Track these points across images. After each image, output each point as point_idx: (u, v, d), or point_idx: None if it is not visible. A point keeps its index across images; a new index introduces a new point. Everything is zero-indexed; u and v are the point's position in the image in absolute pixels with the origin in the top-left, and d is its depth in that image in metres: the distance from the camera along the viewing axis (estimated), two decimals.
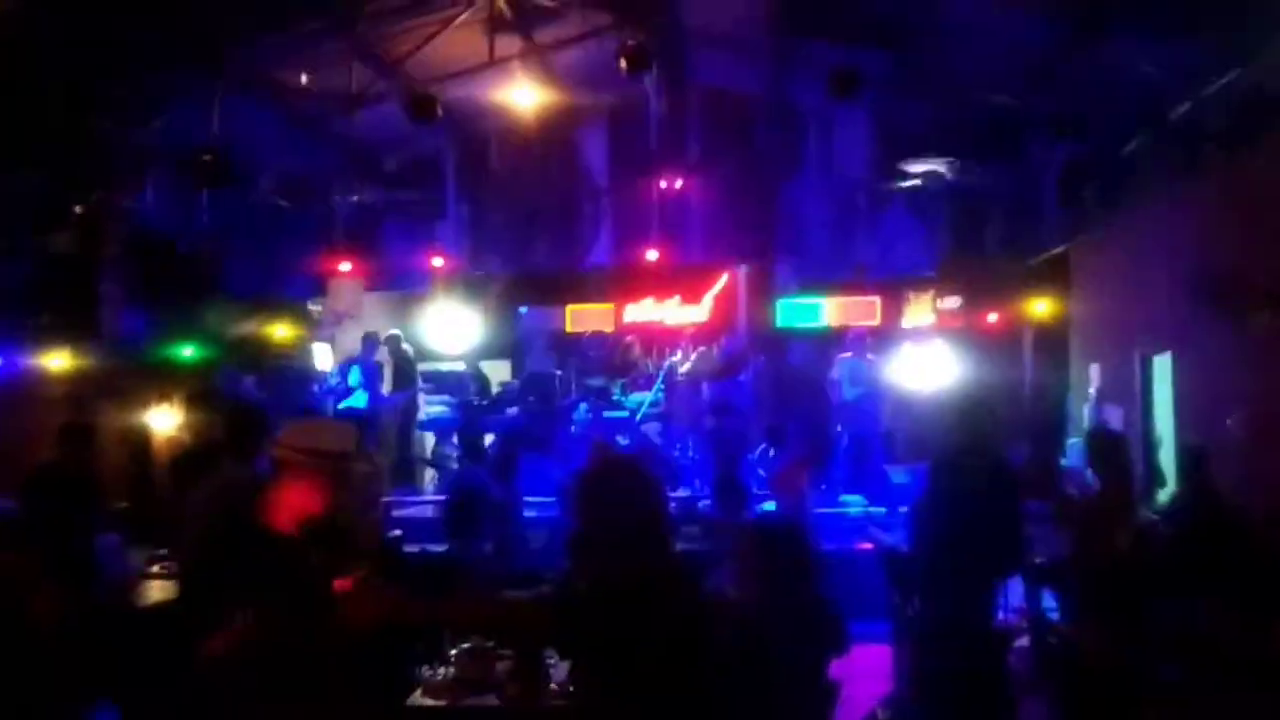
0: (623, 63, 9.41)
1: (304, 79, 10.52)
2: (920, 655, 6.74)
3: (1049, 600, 7.78)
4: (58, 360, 9.63)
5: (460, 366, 13.22)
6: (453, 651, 4.93)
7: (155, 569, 7.77)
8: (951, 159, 11.96)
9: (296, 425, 3.32)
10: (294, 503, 3.16)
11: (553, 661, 4.74)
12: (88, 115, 9.57)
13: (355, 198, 14.19)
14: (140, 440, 10.84)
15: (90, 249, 9.81)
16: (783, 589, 4.30)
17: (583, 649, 2.83)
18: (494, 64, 10.57)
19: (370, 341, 12.56)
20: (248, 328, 12.35)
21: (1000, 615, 8.15)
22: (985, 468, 6.26)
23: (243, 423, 5.31)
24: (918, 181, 12.51)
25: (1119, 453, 6.41)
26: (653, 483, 3.00)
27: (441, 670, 4.79)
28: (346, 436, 3.35)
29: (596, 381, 13.56)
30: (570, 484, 3.12)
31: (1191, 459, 7.64)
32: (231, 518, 3.31)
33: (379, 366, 12.47)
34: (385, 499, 9.20)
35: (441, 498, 11.42)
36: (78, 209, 9.27)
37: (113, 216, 10.27)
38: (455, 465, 11.61)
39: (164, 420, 10.84)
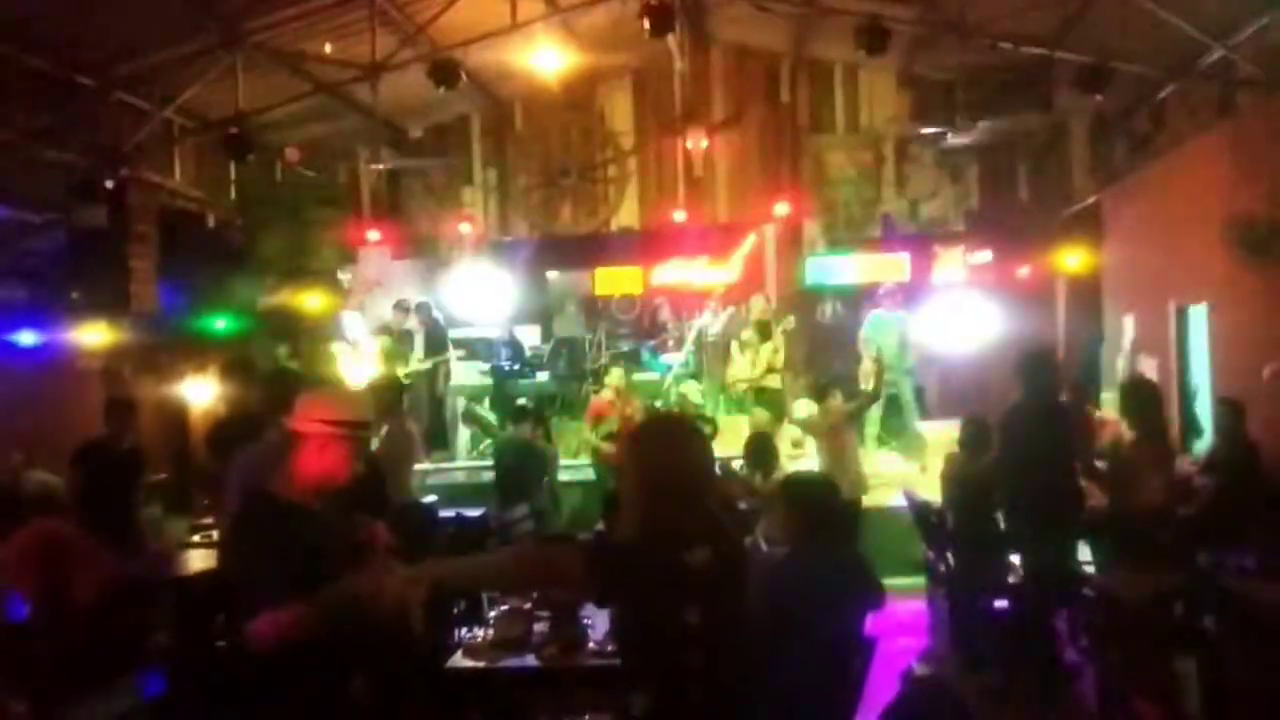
0: (645, 22, 9.31)
1: (327, 48, 10.49)
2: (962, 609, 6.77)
3: (1085, 552, 7.79)
4: (92, 335, 9.73)
5: (493, 332, 13.27)
6: (492, 614, 4.99)
7: (196, 538, 7.91)
8: (980, 111, 11.79)
9: (313, 396, 3.33)
10: (315, 473, 3.17)
11: (589, 622, 4.78)
12: (114, 89, 9.61)
13: (381, 166, 14.21)
14: (177, 412, 10.97)
15: (120, 224, 9.87)
16: (817, 545, 4.31)
17: (618, 594, 2.83)
18: (517, 27, 10.47)
19: (403, 309, 12.64)
20: (279, 298, 12.43)
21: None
22: (1051, 422, 6.28)
23: (281, 389, 5.35)
24: (946, 134, 12.35)
25: (1153, 402, 6.39)
26: (699, 438, 3.00)
27: (481, 632, 4.85)
28: (362, 405, 3.37)
29: (627, 344, 13.59)
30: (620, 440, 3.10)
31: (1229, 412, 7.59)
32: (254, 490, 3.34)
33: (410, 334, 12.55)
34: (420, 465, 9.29)
35: (479, 464, 11.56)
36: (107, 184, 9.32)
37: (142, 190, 10.33)
38: (496, 429, 11.67)
39: (200, 392, 10.96)
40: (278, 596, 2.92)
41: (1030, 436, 6.28)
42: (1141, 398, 6.42)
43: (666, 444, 2.91)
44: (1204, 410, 9.65)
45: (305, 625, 2.93)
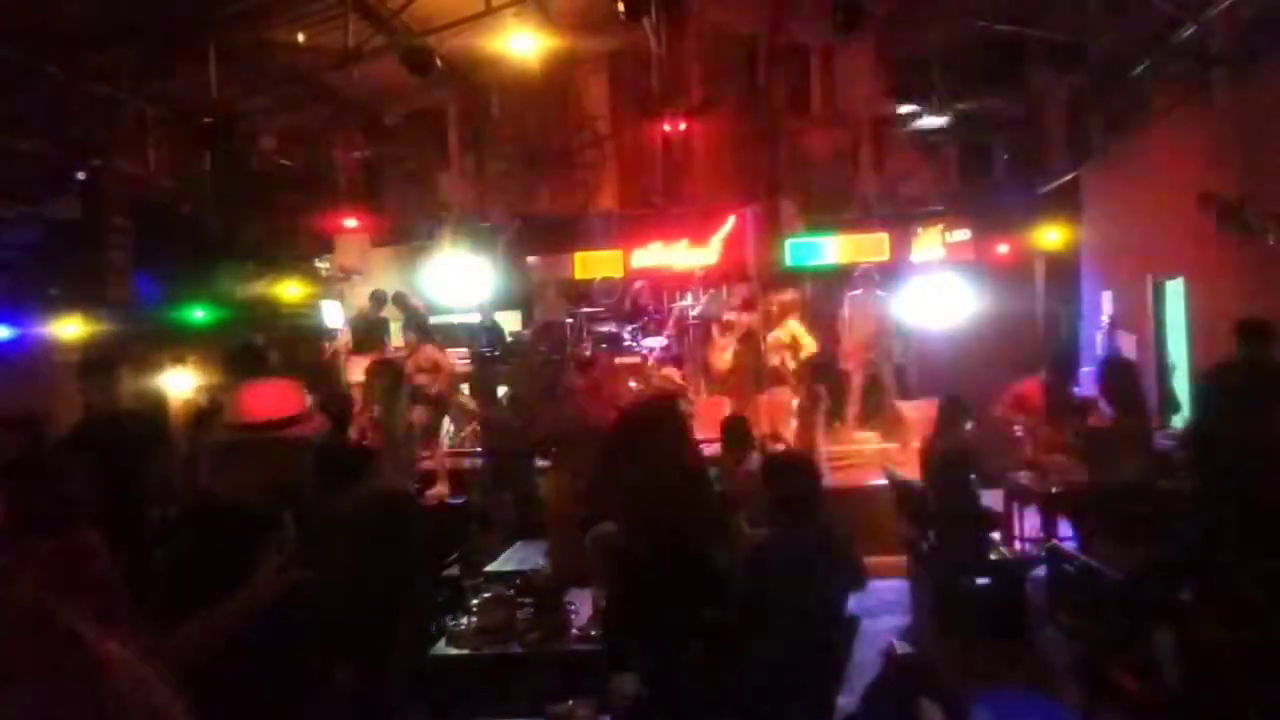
0: (621, 5, 9.29)
1: (300, 38, 10.42)
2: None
3: (1064, 529, 7.85)
4: (69, 328, 9.65)
5: (473, 318, 13.23)
6: (474, 601, 4.99)
7: None
8: (957, 91, 11.82)
9: (250, 392, 3.13)
10: (265, 474, 3.06)
11: (573, 608, 4.79)
12: (85, 79, 9.50)
13: (357, 153, 14.13)
14: (155, 404, 10.89)
15: (95, 215, 9.78)
16: (799, 525, 4.33)
17: (638, 591, 2.82)
18: (491, 11, 10.43)
19: (378, 298, 12.59)
20: (257, 288, 12.35)
21: (1016, 544, 8.25)
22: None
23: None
24: (923, 114, 12.38)
25: (1130, 379, 6.42)
26: (684, 431, 2.98)
27: (465, 619, 4.85)
28: (299, 397, 3.20)
29: (607, 328, 13.57)
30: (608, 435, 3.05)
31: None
32: (198, 493, 3.21)
33: (386, 321, 12.50)
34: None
35: (461, 451, 11.52)
36: (80, 175, 9.24)
37: (115, 181, 10.24)
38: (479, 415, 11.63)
39: (179, 383, 10.89)
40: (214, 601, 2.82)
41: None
42: (1118, 375, 6.45)
43: (663, 437, 2.87)
44: (1183, 385, 9.71)
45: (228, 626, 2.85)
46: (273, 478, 3.05)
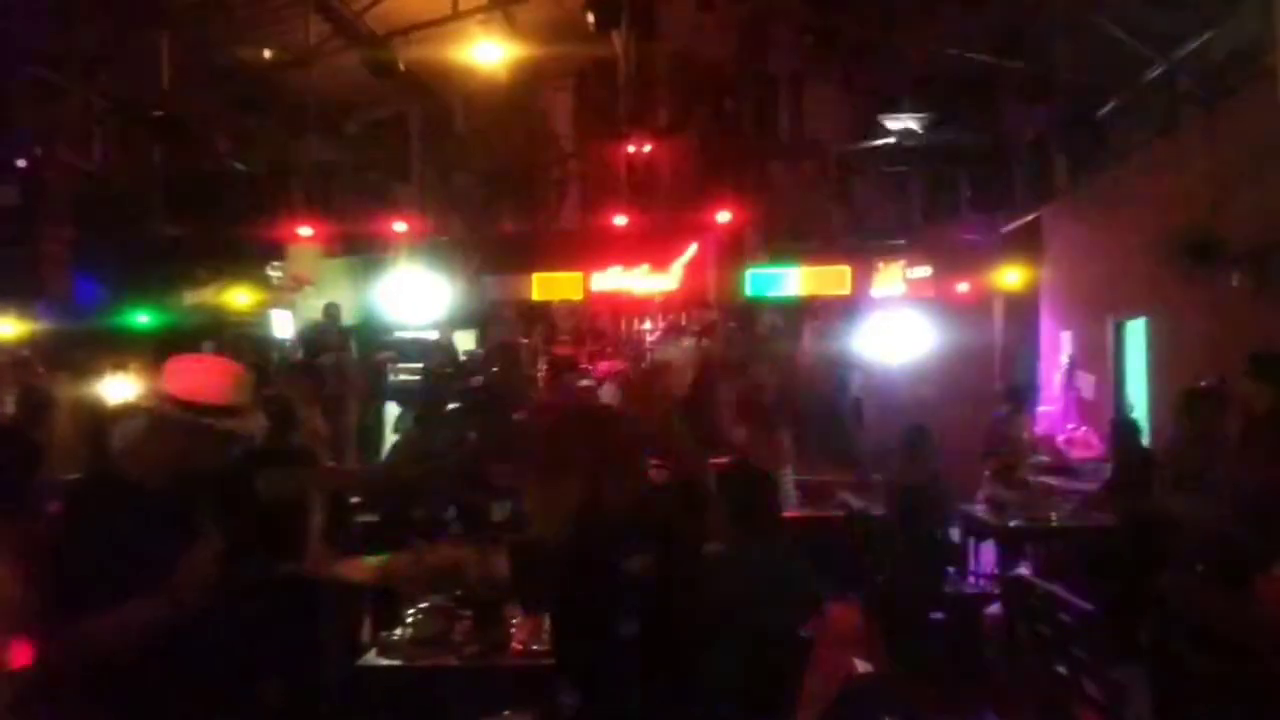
0: (590, 16, 9.16)
1: (266, 53, 10.19)
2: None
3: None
4: (2, 326, 9.28)
5: (433, 334, 12.98)
6: (410, 611, 4.74)
7: None
8: (924, 118, 11.77)
9: (177, 366, 2.84)
10: (164, 456, 2.79)
11: (514, 621, 4.56)
12: (29, 64, 9.20)
13: (315, 159, 13.84)
14: (92, 411, 10.50)
15: (33, 203, 9.43)
16: (755, 542, 4.15)
17: (546, 602, 2.66)
18: (457, 17, 10.25)
19: (331, 312, 12.31)
20: (205, 294, 12.03)
21: (972, 580, 8.11)
22: None
23: None
24: (890, 143, 12.33)
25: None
26: (621, 430, 2.83)
27: (398, 630, 4.60)
28: (230, 386, 2.85)
29: (564, 350, 13.37)
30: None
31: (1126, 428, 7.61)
32: (96, 467, 2.94)
33: (338, 333, 12.21)
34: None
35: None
36: (20, 162, 8.91)
37: (57, 171, 9.89)
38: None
39: (119, 390, 10.50)
40: (106, 591, 2.54)
41: None
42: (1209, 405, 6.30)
43: (587, 437, 2.74)
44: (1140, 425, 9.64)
45: (147, 625, 2.58)
46: (192, 465, 2.80)
